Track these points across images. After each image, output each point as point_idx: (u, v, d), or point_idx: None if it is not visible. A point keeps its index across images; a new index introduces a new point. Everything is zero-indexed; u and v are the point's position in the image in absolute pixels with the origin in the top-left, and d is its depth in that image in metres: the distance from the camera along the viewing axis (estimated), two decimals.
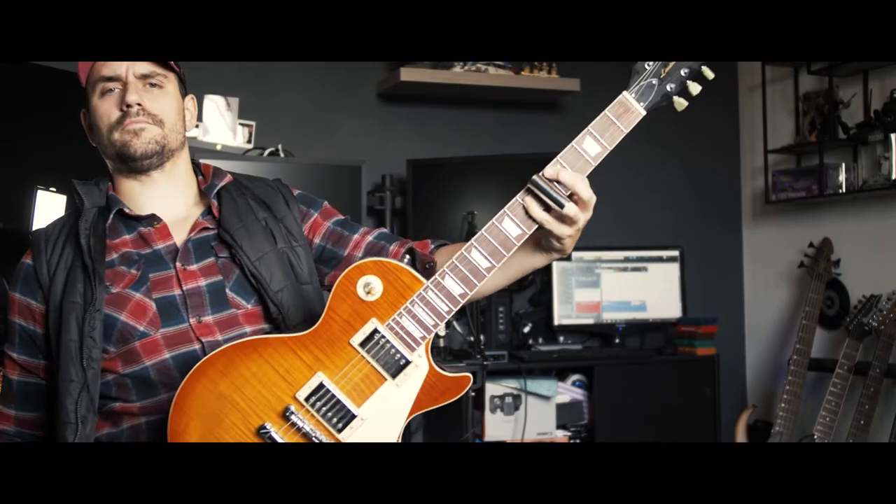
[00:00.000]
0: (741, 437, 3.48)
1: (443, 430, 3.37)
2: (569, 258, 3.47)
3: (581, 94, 3.67)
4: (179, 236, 1.52)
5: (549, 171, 1.31)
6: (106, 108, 1.49)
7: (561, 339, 3.67)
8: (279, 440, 1.29)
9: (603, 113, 1.34)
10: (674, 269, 3.75)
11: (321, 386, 1.30)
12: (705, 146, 4.10)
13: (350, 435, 1.31)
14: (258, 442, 1.31)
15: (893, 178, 3.28)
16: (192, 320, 1.44)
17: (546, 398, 3.36)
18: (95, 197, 1.53)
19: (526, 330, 3.62)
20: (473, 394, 3.09)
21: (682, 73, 1.36)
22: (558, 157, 1.32)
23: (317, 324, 1.32)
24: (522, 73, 3.56)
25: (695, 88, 1.36)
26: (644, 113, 1.35)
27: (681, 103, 1.37)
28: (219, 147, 3.35)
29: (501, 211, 1.31)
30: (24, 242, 2.37)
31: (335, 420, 1.31)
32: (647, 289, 3.72)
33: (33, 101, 2.70)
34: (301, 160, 3.36)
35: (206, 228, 1.53)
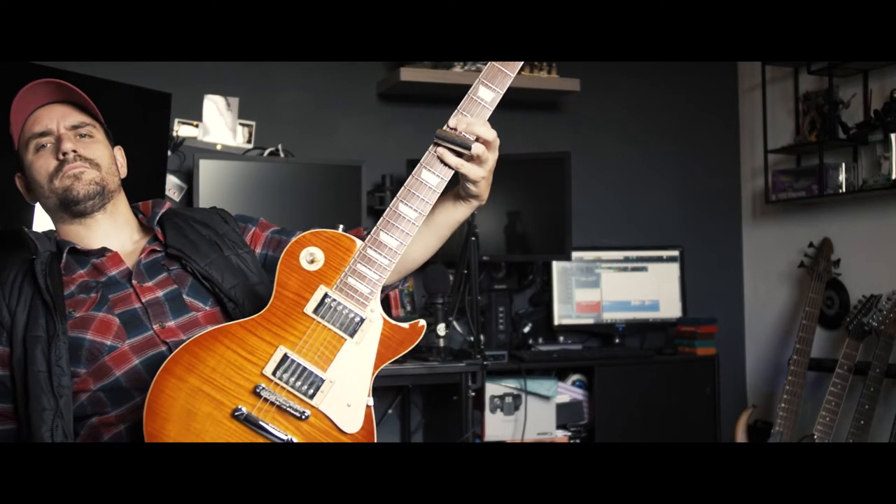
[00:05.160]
0: (741, 437, 3.48)
1: (443, 430, 3.37)
2: (569, 258, 3.47)
3: (581, 94, 3.67)
4: (130, 262, 1.58)
5: (452, 121, 1.40)
6: (43, 161, 1.56)
7: (561, 339, 3.67)
8: (255, 419, 1.31)
9: (490, 63, 1.42)
10: (674, 269, 3.75)
11: (285, 357, 1.34)
12: (705, 146, 4.10)
13: (322, 399, 1.33)
14: (237, 428, 1.31)
15: (893, 178, 3.28)
16: (156, 326, 1.49)
17: (546, 398, 3.36)
18: (46, 244, 1.57)
19: (526, 330, 3.62)
20: (473, 394, 3.09)
21: None
22: (458, 108, 1.40)
23: (269, 303, 1.38)
24: (522, 73, 3.55)
25: None
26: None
27: None
28: (219, 147, 3.35)
29: (418, 165, 1.40)
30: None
31: (305, 387, 1.33)
32: (647, 289, 3.72)
33: None
34: (301, 160, 3.36)
35: (154, 251, 1.60)
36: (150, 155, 3.04)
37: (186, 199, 3.27)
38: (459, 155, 1.40)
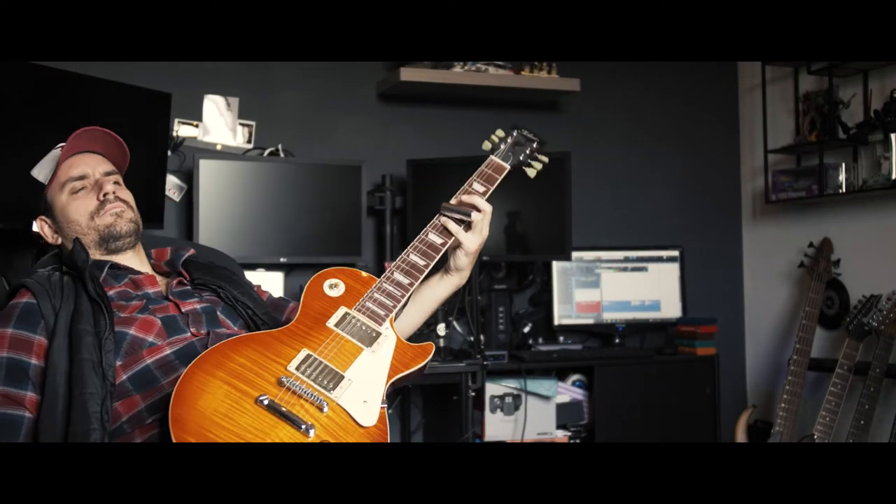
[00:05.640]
0: (741, 437, 3.48)
1: (443, 430, 3.37)
2: (569, 258, 3.47)
3: (581, 94, 3.67)
4: (161, 288, 1.72)
5: (454, 200, 1.71)
6: (82, 201, 1.71)
7: (561, 339, 3.67)
8: (277, 405, 1.35)
9: (482, 168, 1.78)
10: (674, 269, 3.75)
11: (309, 356, 1.45)
12: (705, 146, 4.10)
13: (341, 394, 1.41)
14: (260, 413, 1.35)
15: (893, 178, 3.28)
16: (193, 330, 1.61)
17: (546, 398, 3.36)
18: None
19: (526, 330, 3.62)
20: (473, 394, 3.09)
21: (528, 151, 1.85)
22: (457, 194, 1.71)
23: (294, 319, 1.53)
24: (522, 73, 3.55)
25: (538, 165, 1.86)
26: (509, 167, 1.80)
27: (532, 171, 1.86)
28: (219, 147, 3.35)
29: (425, 229, 1.68)
30: (23, 242, 2.37)
31: (325, 381, 1.42)
32: (647, 289, 3.72)
33: (33, 101, 2.69)
34: (301, 160, 3.36)
35: (181, 283, 1.75)
36: (150, 155, 3.04)
37: (186, 199, 3.27)
38: (459, 222, 1.68)
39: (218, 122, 3.37)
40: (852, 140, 3.47)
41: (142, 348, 1.54)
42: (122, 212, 1.71)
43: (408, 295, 1.58)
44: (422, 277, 1.61)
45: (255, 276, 2.85)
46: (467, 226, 1.68)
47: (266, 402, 1.35)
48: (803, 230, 3.78)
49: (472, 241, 1.68)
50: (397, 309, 1.56)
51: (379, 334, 1.51)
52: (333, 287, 1.58)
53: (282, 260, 3.23)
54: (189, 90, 3.30)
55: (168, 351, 1.55)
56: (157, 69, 3.16)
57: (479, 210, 1.68)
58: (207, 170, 3.14)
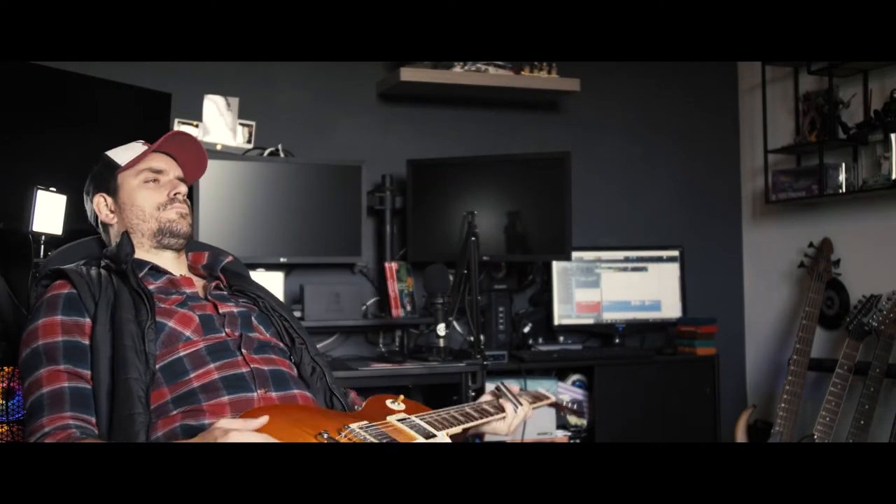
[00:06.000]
0: (741, 437, 3.48)
1: None
2: (569, 258, 3.47)
3: (581, 94, 3.67)
4: (198, 289, 1.81)
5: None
6: (153, 192, 1.81)
7: (561, 339, 3.67)
8: (336, 441, 1.41)
9: (534, 404, 2.16)
10: (674, 269, 3.75)
11: (369, 423, 1.54)
12: (705, 146, 4.10)
13: None
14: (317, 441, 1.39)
15: (893, 178, 3.28)
16: (227, 330, 1.71)
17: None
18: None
19: (526, 330, 3.62)
20: (473, 394, 3.09)
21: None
22: (517, 395, 2.06)
23: (357, 411, 1.69)
24: (522, 73, 3.55)
25: (573, 419, 2.21)
26: (553, 399, 2.24)
27: (569, 416, 2.15)
28: (219, 147, 3.35)
29: (485, 398, 2.04)
30: (23, 243, 2.36)
31: (382, 441, 1.49)
32: (647, 289, 3.72)
33: (33, 101, 2.69)
34: (301, 160, 3.36)
35: (218, 287, 1.84)
36: None
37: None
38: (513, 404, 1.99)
39: (218, 122, 3.37)
40: (852, 140, 3.47)
41: (178, 341, 1.63)
42: (187, 214, 1.83)
43: (459, 427, 1.75)
44: (470, 424, 1.82)
45: (254, 276, 2.85)
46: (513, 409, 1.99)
47: (326, 436, 1.40)
48: (803, 230, 3.78)
49: (511, 426, 1.99)
50: (451, 431, 1.71)
51: (434, 436, 1.63)
52: (394, 402, 1.75)
53: (282, 260, 3.23)
54: (189, 90, 3.30)
55: (201, 345, 1.64)
56: (157, 69, 3.16)
57: (521, 404, 2.01)
58: (207, 170, 3.13)
